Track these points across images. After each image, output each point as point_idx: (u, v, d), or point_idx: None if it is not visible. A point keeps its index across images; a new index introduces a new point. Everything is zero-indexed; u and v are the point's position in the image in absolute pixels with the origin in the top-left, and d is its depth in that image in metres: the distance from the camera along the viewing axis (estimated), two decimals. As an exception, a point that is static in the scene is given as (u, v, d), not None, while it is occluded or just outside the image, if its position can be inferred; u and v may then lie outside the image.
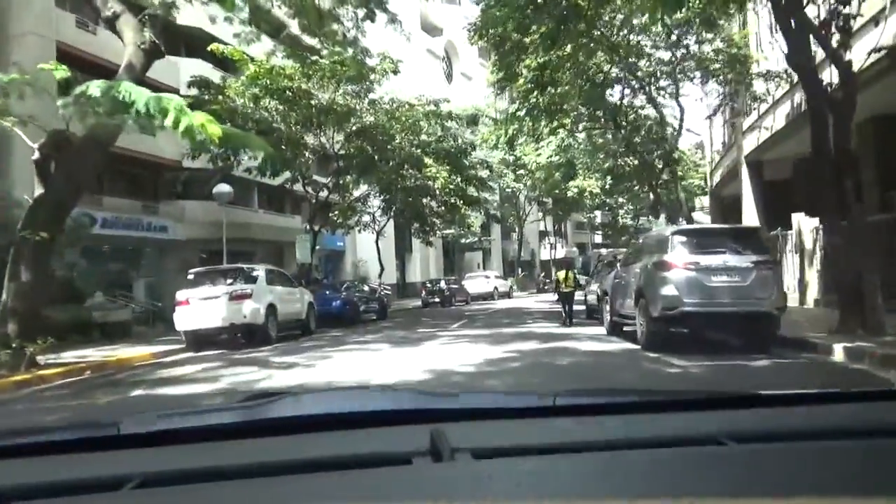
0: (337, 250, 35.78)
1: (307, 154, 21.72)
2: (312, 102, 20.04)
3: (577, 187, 52.60)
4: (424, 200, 25.20)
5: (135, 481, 0.97)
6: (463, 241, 42.53)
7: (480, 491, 0.90)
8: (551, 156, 33.28)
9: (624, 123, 26.93)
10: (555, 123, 24.27)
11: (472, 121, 21.68)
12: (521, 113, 22.99)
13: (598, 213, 70.14)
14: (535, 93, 21.18)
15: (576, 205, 55.23)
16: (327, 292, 19.62)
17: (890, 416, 1.27)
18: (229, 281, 13.91)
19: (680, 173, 40.33)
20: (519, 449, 1.07)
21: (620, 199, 62.81)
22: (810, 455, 1.05)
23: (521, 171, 44.15)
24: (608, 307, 12.30)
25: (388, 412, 1.33)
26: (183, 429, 1.27)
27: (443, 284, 31.80)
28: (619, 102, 25.92)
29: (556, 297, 18.29)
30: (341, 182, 23.15)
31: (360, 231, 30.83)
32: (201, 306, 13.36)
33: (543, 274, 57.56)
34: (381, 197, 26.01)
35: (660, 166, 30.51)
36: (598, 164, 36.02)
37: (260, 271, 14.52)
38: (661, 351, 8.90)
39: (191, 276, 14.08)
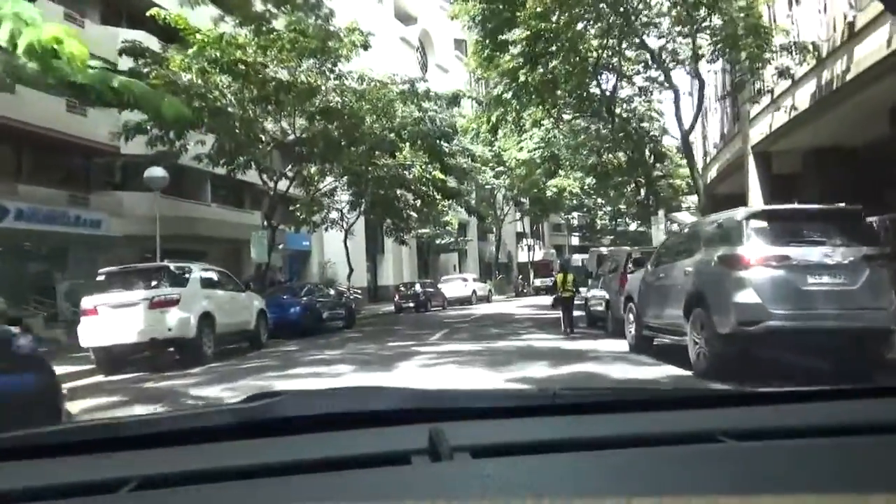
0: (302, 250, 32.82)
1: (264, 138, 18.81)
2: (269, 78, 17.18)
3: (556, 186, 50.55)
4: (398, 192, 22.41)
5: (133, 483, 0.96)
6: (439, 241, 39.81)
7: (480, 490, 0.90)
8: (534, 150, 30.78)
9: (617, 111, 24.65)
10: (546, 106, 21.78)
11: (453, 101, 18.92)
12: (508, 95, 20.45)
13: (575, 214, 68.43)
14: (525, 69, 18.57)
15: (554, 205, 53.10)
16: (284, 297, 16.78)
17: (888, 413, 1.24)
18: (151, 283, 10.98)
19: (667, 169, 38.29)
20: (518, 447, 1.06)
21: (599, 200, 61.28)
22: (809, 452, 1.05)
23: (501, 168, 41.82)
24: (632, 316, 9.70)
25: (387, 412, 1.28)
26: (180, 430, 1.24)
27: (418, 288, 29.04)
28: (612, 90, 23.53)
29: (552, 301, 15.74)
30: (303, 171, 20.24)
31: (327, 229, 27.99)
32: (114, 316, 10.43)
33: (521, 277, 55.33)
34: (350, 190, 23.13)
35: (652, 160, 28.34)
36: (580, 160, 33.69)
37: (192, 271, 11.59)
38: (724, 379, 6.31)
39: (101, 278, 11.10)
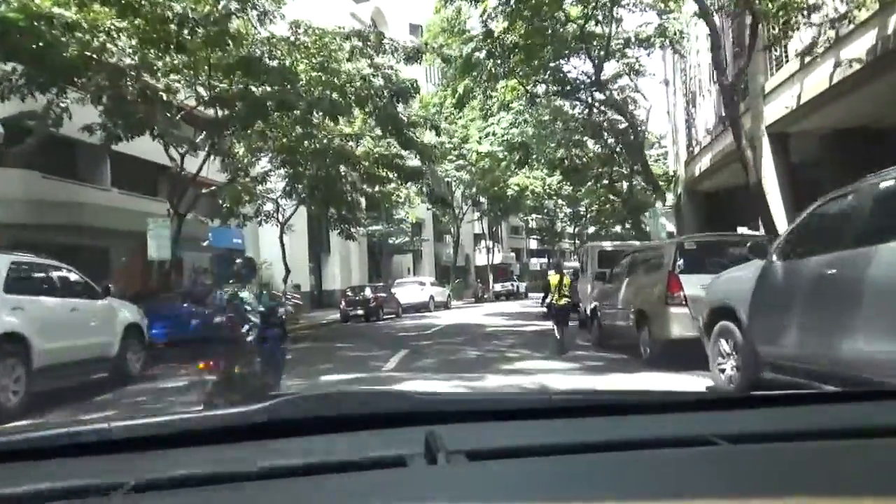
0: (233, 249, 28.14)
1: (166, 97, 14.31)
2: (168, 12, 12.72)
3: (517, 185, 47.04)
4: (342, 170, 18.12)
5: (127, 487, 0.95)
6: (392, 241, 35.54)
7: (476, 493, 0.90)
8: (502, 135, 26.92)
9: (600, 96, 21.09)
10: (523, 71, 17.84)
11: (414, 57, 14.75)
12: (481, 54, 16.46)
13: (533, 216, 65.41)
14: (503, 26, 14.54)
15: (515, 205, 49.57)
16: (185, 306, 12.36)
17: (882, 417, 1.24)
18: None
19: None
20: (514, 450, 1.05)
21: (560, 201, 58.39)
22: (804, 456, 1.05)
23: (461, 162, 37.93)
24: (728, 343, 5.69)
25: (382, 414, 1.27)
26: (175, 433, 1.21)
27: (368, 293, 24.72)
28: (599, 59, 19.83)
29: (546, 310, 11.86)
30: (220, 142, 15.76)
31: (261, 223, 23.50)
32: None
33: (480, 281, 51.49)
34: (284, 170, 18.66)
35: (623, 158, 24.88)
36: (549, 151, 29.99)
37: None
38: None
39: None
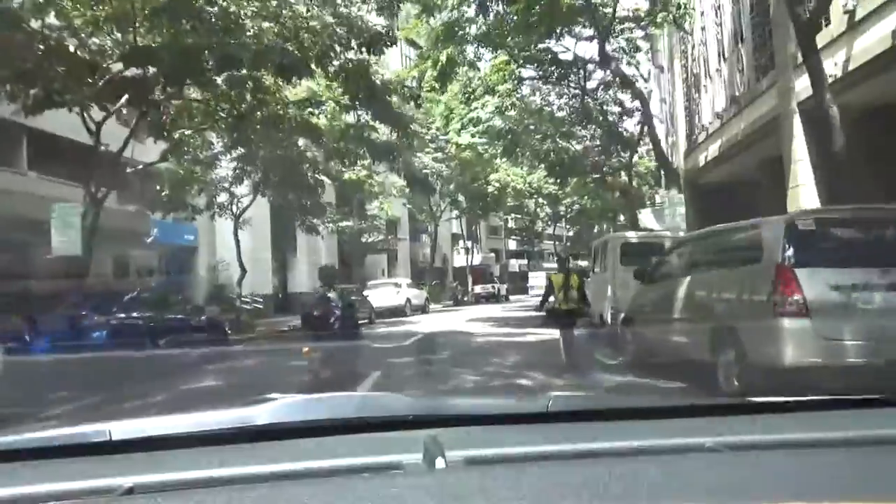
0: (184, 246, 25.01)
1: (71, 47, 11.25)
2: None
3: (498, 182, 44.43)
4: (301, 144, 15.12)
5: (124, 488, 0.95)
6: (366, 238, 32.50)
7: (474, 498, 0.90)
8: (488, 120, 24.09)
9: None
10: (515, 41, 15.04)
11: (388, 5, 11.81)
12: (470, 9, 13.62)
13: (513, 215, 63.08)
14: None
15: (496, 202, 47.00)
16: (83, 314, 9.32)
17: (878, 425, 1.24)
18: None
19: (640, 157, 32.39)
20: (513, 456, 1.06)
21: (541, 200, 56.21)
22: (802, 462, 1.05)
23: (440, 155, 35.15)
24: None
25: (382, 418, 1.29)
26: (172, 435, 1.23)
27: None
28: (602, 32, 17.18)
29: (546, 315, 9.12)
30: (152, 110, 12.68)
31: (214, 216, 20.45)
32: None
33: (458, 283, 48.57)
34: (230, 148, 15.57)
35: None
36: (534, 144, 27.40)
37: None
38: None
39: None
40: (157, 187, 16.82)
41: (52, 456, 1.12)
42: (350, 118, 14.84)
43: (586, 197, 33.92)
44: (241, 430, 1.21)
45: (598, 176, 29.00)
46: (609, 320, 9.66)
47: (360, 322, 22.77)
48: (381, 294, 26.67)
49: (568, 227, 70.08)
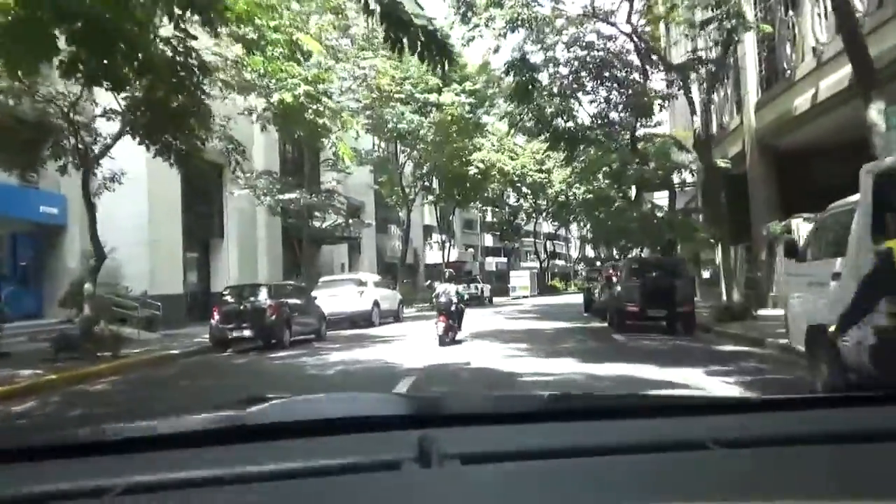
0: (45, 224, 16.68)
1: None
2: None
3: (482, 161, 36.79)
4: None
5: (118, 489, 0.94)
6: (319, 221, 24.43)
7: (469, 497, 0.89)
8: (499, 35, 16.29)
9: None
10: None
11: None
12: None
13: (492, 208, 56.03)
14: None
15: (478, 186, 39.49)
16: None
17: (879, 421, 1.22)
18: None
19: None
20: (508, 454, 1.05)
21: (525, 189, 49.34)
22: (801, 461, 1.03)
23: (417, 117, 27.55)
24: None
25: (377, 417, 1.27)
26: (166, 434, 1.21)
27: (263, 297, 13.58)
28: None
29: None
30: None
31: (101, 188, 12.37)
32: None
33: (430, 282, 40.51)
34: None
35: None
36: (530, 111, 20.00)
37: None
38: None
39: None
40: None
41: (46, 457, 1.08)
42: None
43: (602, 177, 26.24)
44: (235, 431, 1.18)
45: (626, 142, 21.52)
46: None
47: (298, 337, 14.90)
48: (338, 295, 18.70)
49: (554, 222, 63.16)
